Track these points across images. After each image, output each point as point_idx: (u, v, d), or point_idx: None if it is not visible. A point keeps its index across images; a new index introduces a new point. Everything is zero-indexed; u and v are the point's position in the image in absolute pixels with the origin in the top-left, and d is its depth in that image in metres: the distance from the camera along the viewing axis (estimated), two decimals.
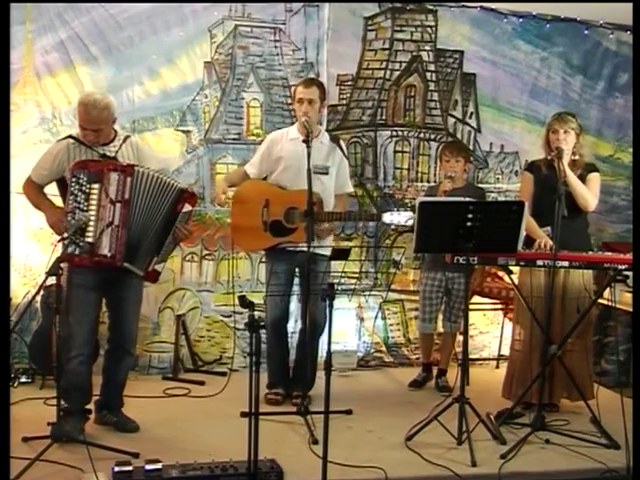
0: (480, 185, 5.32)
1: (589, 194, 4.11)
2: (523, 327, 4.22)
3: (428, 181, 5.33)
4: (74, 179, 3.49)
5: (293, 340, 4.61)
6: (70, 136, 3.68)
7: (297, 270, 4.34)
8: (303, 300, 4.37)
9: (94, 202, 3.49)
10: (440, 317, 4.79)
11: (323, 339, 4.17)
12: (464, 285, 4.55)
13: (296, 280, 4.39)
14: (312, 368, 4.29)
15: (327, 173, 4.23)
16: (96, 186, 3.49)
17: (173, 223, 3.66)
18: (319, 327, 4.23)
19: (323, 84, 4.46)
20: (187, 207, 3.70)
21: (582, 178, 4.16)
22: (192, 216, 3.86)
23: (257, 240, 4.27)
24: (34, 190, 3.70)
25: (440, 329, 4.87)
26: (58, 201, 3.72)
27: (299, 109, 4.21)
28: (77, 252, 3.46)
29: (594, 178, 4.21)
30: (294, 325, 4.71)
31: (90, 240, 3.48)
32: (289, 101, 4.99)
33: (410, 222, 4.04)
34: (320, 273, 3.98)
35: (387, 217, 4.11)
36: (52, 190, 3.74)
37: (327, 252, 4.16)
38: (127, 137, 3.75)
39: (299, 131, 4.28)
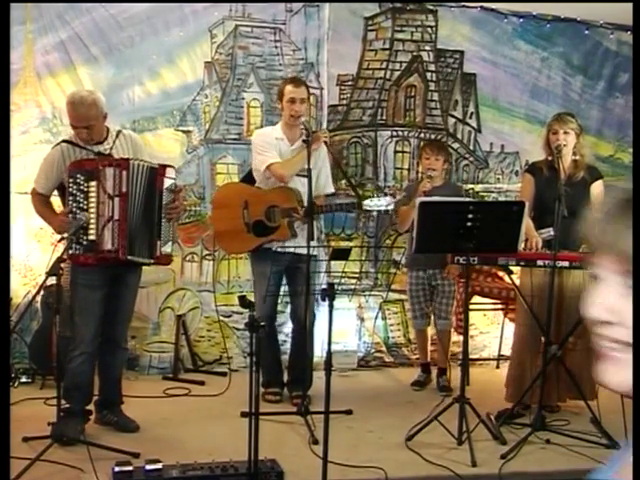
0: (480, 185, 5.32)
1: None
2: (522, 327, 4.22)
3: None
4: (71, 180, 3.51)
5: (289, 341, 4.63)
6: (63, 140, 3.69)
7: (285, 271, 4.33)
8: (292, 301, 4.39)
9: (93, 200, 3.51)
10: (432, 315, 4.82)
11: (322, 339, 4.17)
12: (447, 280, 4.65)
13: (283, 280, 4.40)
14: (308, 367, 4.31)
15: (308, 176, 4.20)
16: (93, 184, 3.51)
17: (161, 201, 3.65)
18: (309, 326, 4.25)
19: (307, 83, 4.46)
20: (168, 181, 3.69)
21: (585, 181, 4.15)
22: (178, 190, 3.82)
23: (242, 242, 4.28)
24: (40, 203, 3.71)
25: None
26: (59, 202, 3.73)
27: (289, 108, 4.17)
28: (81, 251, 3.48)
29: (599, 189, 4.19)
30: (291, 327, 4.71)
31: (92, 238, 3.49)
32: None
33: (391, 207, 4.14)
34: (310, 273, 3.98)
35: (367, 203, 4.12)
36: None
37: (315, 252, 4.18)
38: (119, 132, 3.76)
39: (284, 132, 4.27)
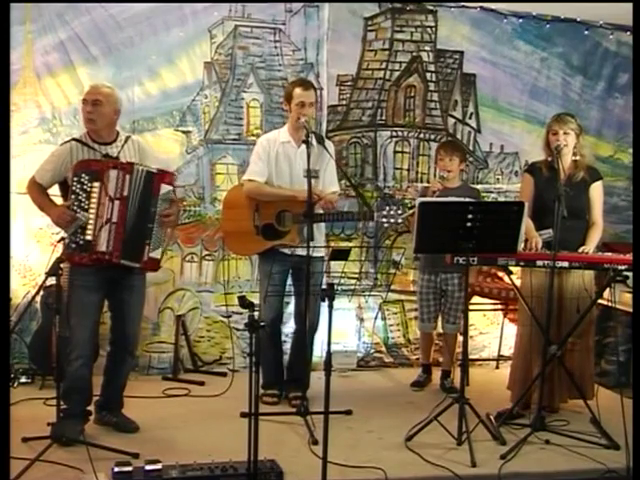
0: (480, 185, 5.32)
1: (597, 233, 4.14)
2: (524, 327, 4.21)
3: (428, 181, 5.33)
4: (76, 178, 3.51)
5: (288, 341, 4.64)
6: (73, 139, 3.71)
7: (290, 272, 4.33)
8: (297, 301, 4.38)
9: (94, 200, 3.51)
10: (440, 318, 4.80)
11: (322, 339, 4.17)
12: (458, 285, 4.61)
13: (289, 281, 4.38)
14: (307, 368, 4.32)
15: (317, 177, 4.21)
16: (97, 184, 3.52)
17: (155, 207, 3.63)
18: (313, 327, 4.25)
19: (315, 86, 4.46)
20: (165, 187, 3.67)
21: (585, 182, 4.15)
22: (175, 197, 3.83)
23: (250, 244, 4.27)
24: (37, 191, 3.69)
25: (441, 330, 4.87)
26: (59, 202, 3.72)
27: (298, 112, 4.17)
28: (77, 250, 3.48)
29: (598, 189, 4.19)
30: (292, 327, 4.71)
31: (89, 238, 3.49)
32: None
33: (403, 216, 4.23)
34: (314, 274, 3.98)
35: (381, 219, 4.19)
36: (53, 191, 3.74)
37: (321, 253, 4.18)
38: (128, 137, 3.77)
39: (291, 134, 4.27)
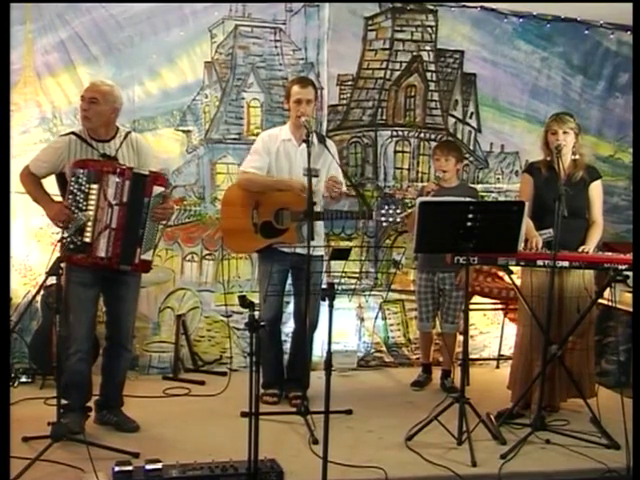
0: (480, 185, 5.32)
1: (597, 232, 4.14)
2: (525, 327, 4.21)
3: (428, 181, 5.33)
4: (73, 178, 3.51)
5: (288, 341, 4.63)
6: (73, 132, 3.70)
7: (290, 271, 4.33)
8: (297, 301, 4.38)
9: (92, 202, 3.51)
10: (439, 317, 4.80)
11: (322, 339, 4.17)
12: (456, 284, 4.62)
13: (288, 280, 4.38)
14: (307, 368, 4.32)
15: (317, 176, 4.21)
16: (95, 186, 3.51)
17: (147, 210, 3.61)
18: (312, 326, 4.25)
19: (314, 83, 4.46)
20: (158, 189, 3.65)
21: (584, 181, 4.15)
22: (168, 196, 3.83)
23: (248, 242, 4.27)
24: (32, 182, 3.69)
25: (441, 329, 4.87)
26: (57, 198, 3.73)
27: (296, 109, 4.18)
28: (74, 251, 3.47)
29: (597, 188, 4.18)
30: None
31: (87, 240, 3.49)
32: None
33: (402, 215, 4.27)
34: (314, 273, 3.97)
35: (379, 217, 4.22)
36: (52, 189, 3.75)
37: (320, 252, 4.18)
38: (128, 133, 3.76)
39: (292, 132, 4.27)
